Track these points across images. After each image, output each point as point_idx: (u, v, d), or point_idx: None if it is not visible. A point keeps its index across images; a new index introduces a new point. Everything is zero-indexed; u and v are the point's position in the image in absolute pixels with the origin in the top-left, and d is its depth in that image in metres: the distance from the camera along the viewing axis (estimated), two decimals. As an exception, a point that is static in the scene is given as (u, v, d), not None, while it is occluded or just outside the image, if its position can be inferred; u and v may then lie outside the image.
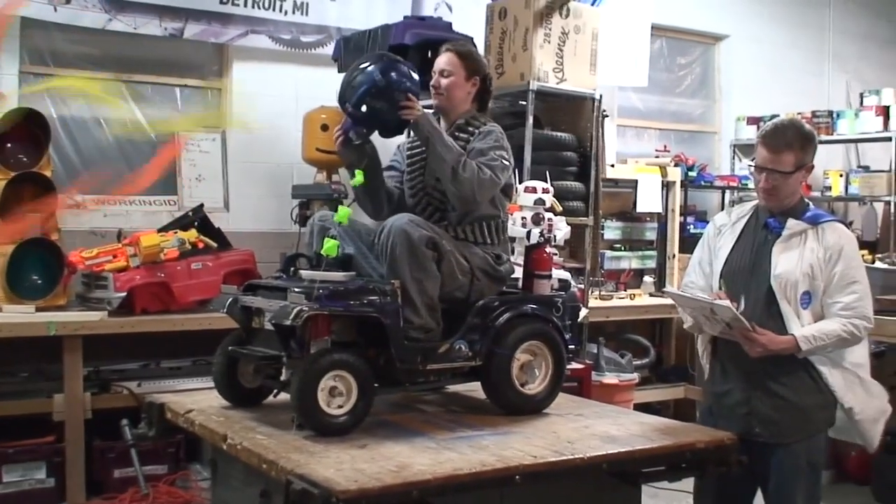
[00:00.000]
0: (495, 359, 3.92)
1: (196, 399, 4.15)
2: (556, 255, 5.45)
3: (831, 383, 4.04)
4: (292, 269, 4.00)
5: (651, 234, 9.05)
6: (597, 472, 3.52)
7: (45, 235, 6.19)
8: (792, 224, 4.08)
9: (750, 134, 10.16)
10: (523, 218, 5.76)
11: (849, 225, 10.84)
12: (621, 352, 7.44)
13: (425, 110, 4.03)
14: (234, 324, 3.98)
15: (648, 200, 8.65)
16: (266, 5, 7.38)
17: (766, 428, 4.06)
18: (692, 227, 9.37)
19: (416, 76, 4.07)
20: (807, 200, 4.24)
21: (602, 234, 8.00)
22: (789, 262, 4.03)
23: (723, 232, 4.29)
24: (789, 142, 4.03)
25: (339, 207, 3.96)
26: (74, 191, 6.94)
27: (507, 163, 4.13)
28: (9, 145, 6.34)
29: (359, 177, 4.11)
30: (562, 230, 5.98)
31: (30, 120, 6.33)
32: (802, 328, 3.97)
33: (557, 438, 3.64)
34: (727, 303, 3.91)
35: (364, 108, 3.97)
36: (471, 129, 4.21)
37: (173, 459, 6.14)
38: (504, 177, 4.11)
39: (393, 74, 4.00)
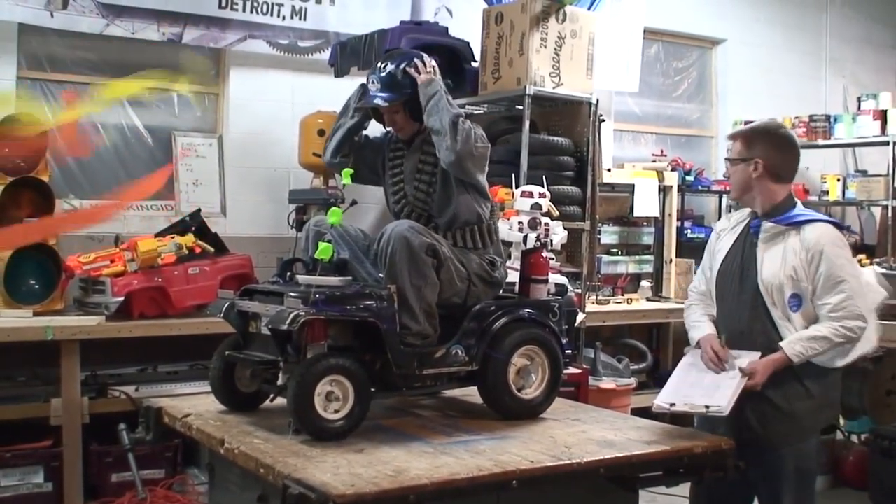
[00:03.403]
0: (492, 363, 3.92)
1: (193, 403, 4.15)
2: (552, 259, 5.47)
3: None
4: (289, 273, 4.01)
5: (648, 239, 9.06)
6: (594, 476, 3.52)
7: (42, 240, 6.19)
8: (767, 226, 4.12)
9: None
10: (520, 222, 5.77)
11: (846, 227, 10.86)
12: (618, 356, 7.46)
13: (433, 77, 4.14)
14: (231, 328, 3.98)
15: (645, 205, 8.66)
16: (264, 10, 7.38)
17: (755, 434, 4.07)
18: (689, 231, 9.38)
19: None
20: (796, 201, 4.24)
21: (599, 239, 8.01)
22: (773, 264, 4.05)
23: (722, 236, 4.33)
24: (738, 132, 4.30)
25: (331, 209, 3.96)
26: (71, 195, 6.95)
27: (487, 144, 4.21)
28: (6, 150, 6.33)
29: (346, 178, 4.15)
30: (558, 235, 5.99)
31: (27, 125, 6.32)
32: (791, 339, 3.97)
33: (554, 443, 3.64)
34: (719, 403, 3.88)
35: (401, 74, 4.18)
36: None
37: (171, 464, 6.13)
38: (488, 148, 4.18)
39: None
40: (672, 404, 3.97)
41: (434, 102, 4.05)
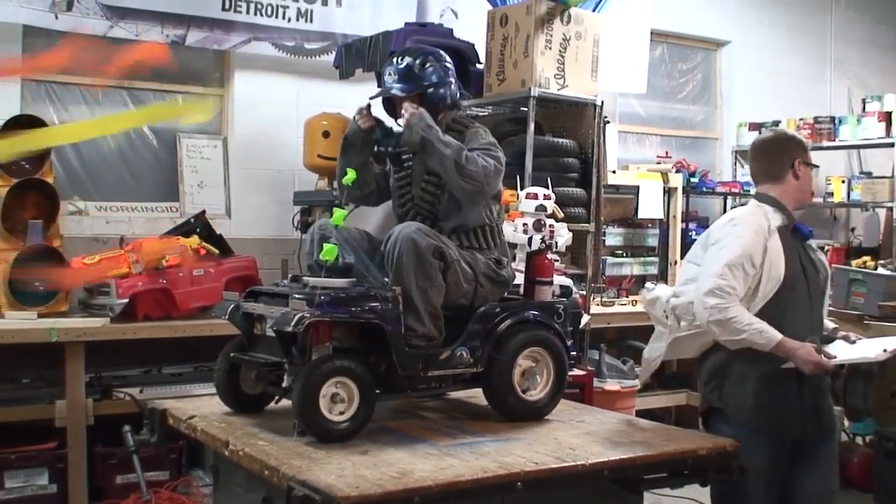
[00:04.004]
0: (497, 365, 3.92)
1: (198, 405, 4.15)
2: (557, 261, 5.45)
3: None
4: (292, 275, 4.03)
5: (653, 241, 9.06)
6: (598, 478, 3.51)
7: (47, 242, 6.19)
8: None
9: (751, 140, 10.15)
10: (525, 224, 5.76)
11: (852, 228, 10.89)
12: (623, 358, 7.43)
13: (421, 109, 4.05)
14: (235, 330, 3.98)
15: (650, 207, 8.66)
16: (269, 13, 7.38)
17: (824, 425, 4.22)
18: (694, 233, 9.36)
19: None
20: None
21: (603, 241, 7.99)
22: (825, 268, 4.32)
23: (771, 236, 4.12)
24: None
25: (335, 210, 3.95)
26: (76, 197, 6.96)
27: (502, 155, 4.15)
28: (12, 152, 6.35)
29: (350, 175, 4.13)
30: (563, 236, 5.98)
31: (32, 127, 6.32)
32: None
33: (559, 445, 3.64)
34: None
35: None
36: (459, 126, 4.24)
37: (175, 465, 6.13)
38: (503, 165, 4.12)
39: None
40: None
41: (429, 149, 3.98)
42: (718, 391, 4.18)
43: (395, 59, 4.20)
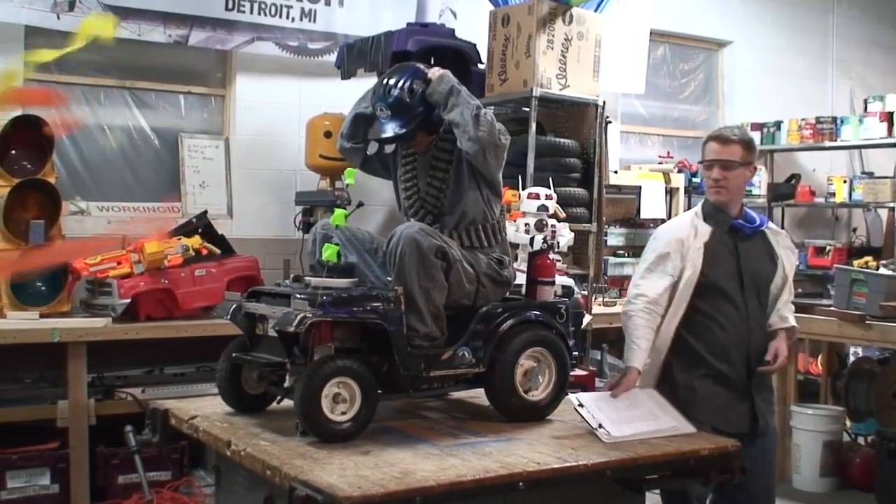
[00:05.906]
0: (498, 365, 3.91)
1: (200, 405, 4.14)
2: (559, 261, 5.46)
3: None
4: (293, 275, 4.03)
5: (654, 241, 9.05)
6: (600, 478, 3.51)
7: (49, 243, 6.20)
8: (762, 229, 4.49)
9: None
10: (526, 224, 5.77)
11: (853, 229, 10.89)
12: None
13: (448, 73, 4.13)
14: (237, 330, 3.98)
15: (652, 207, 8.67)
16: (273, 12, 7.37)
17: (764, 421, 4.40)
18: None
19: None
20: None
21: (605, 241, 8.00)
22: (774, 264, 4.43)
23: (690, 239, 4.41)
24: (735, 137, 4.49)
25: (336, 210, 3.95)
26: (78, 198, 6.96)
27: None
28: (13, 152, 6.35)
29: (350, 177, 4.15)
30: (565, 236, 5.99)
31: (33, 127, 6.33)
32: (788, 317, 4.41)
33: (561, 445, 3.63)
34: (613, 433, 3.83)
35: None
36: None
37: (177, 465, 6.14)
38: (508, 145, 4.14)
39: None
40: (581, 405, 3.94)
41: (453, 98, 4.00)
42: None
43: (381, 91, 4.14)
